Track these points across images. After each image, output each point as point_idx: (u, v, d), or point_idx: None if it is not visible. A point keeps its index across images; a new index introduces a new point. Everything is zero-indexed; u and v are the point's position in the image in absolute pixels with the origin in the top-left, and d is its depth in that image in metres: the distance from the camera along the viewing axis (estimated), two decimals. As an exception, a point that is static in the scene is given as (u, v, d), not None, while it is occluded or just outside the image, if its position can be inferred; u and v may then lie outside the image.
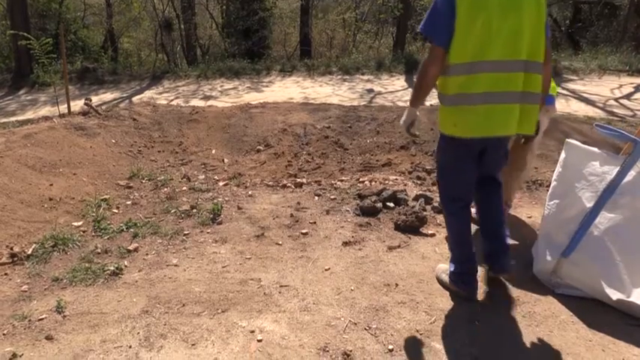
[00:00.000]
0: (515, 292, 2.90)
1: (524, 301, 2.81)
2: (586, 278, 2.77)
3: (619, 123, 6.88)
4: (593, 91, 9.48)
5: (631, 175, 2.74)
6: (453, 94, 2.52)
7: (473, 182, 2.78)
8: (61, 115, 7.09)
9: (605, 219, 2.76)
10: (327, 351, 2.39)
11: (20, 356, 2.42)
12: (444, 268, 3.01)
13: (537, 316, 2.67)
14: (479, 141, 2.56)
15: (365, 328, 2.56)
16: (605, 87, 10.01)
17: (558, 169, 3.09)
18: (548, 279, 2.95)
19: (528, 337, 2.50)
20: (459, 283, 2.82)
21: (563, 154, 3.08)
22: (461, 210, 2.79)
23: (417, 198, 4.18)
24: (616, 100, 8.89)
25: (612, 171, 2.79)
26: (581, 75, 11.41)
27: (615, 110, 8.02)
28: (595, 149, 2.93)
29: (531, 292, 2.91)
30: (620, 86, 10.13)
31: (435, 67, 2.50)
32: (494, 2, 2.36)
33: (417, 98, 2.70)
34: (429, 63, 2.50)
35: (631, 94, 9.49)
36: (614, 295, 2.64)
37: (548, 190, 3.17)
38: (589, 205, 2.81)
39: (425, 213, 3.90)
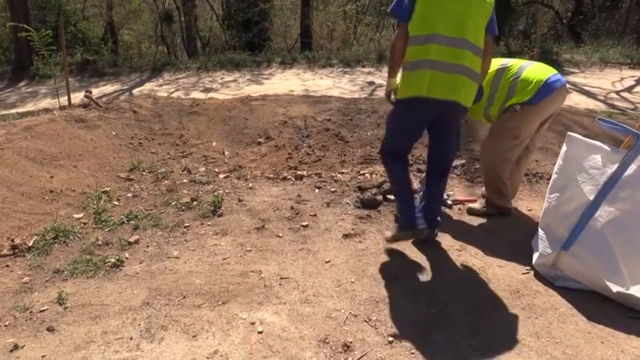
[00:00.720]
0: (515, 284, 2.91)
1: (524, 294, 2.82)
2: (586, 271, 2.78)
3: (620, 116, 6.87)
4: (594, 84, 9.45)
5: (632, 168, 2.74)
6: (410, 62, 3.01)
7: (412, 144, 3.38)
8: (62, 108, 7.08)
9: (605, 212, 2.76)
10: (328, 342, 2.40)
11: (22, 347, 2.43)
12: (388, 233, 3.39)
13: (537, 309, 2.68)
14: (426, 102, 2.99)
15: (365, 320, 2.57)
16: (607, 80, 9.99)
17: (559, 162, 3.09)
18: (547, 272, 2.96)
19: (528, 330, 2.50)
20: (406, 221, 3.23)
21: (564, 147, 3.08)
22: (398, 161, 3.29)
23: (417, 191, 4.18)
24: (617, 93, 8.87)
25: (613, 164, 2.79)
26: (582, 68, 11.39)
27: (616, 103, 8.00)
28: (596, 142, 2.93)
29: (531, 284, 2.92)
30: (622, 79, 10.10)
31: (401, 40, 3.03)
32: None
33: (392, 68, 3.18)
34: (397, 37, 3.05)
35: (632, 86, 9.46)
36: (614, 287, 2.65)
37: (548, 183, 3.17)
38: (589, 198, 2.82)
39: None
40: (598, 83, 9.56)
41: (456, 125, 3.26)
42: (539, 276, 2.99)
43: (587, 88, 9.22)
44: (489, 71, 3.42)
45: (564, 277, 2.88)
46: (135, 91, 10.74)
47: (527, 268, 3.08)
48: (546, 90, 3.42)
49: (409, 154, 3.44)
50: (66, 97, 7.59)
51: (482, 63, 3.08)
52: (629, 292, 2.62)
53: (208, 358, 2.31)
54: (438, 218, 3.41)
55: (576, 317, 2.61)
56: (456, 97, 2.98)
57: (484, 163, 3.74)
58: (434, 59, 2.92)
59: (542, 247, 3.01)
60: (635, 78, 10.18)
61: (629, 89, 9.23)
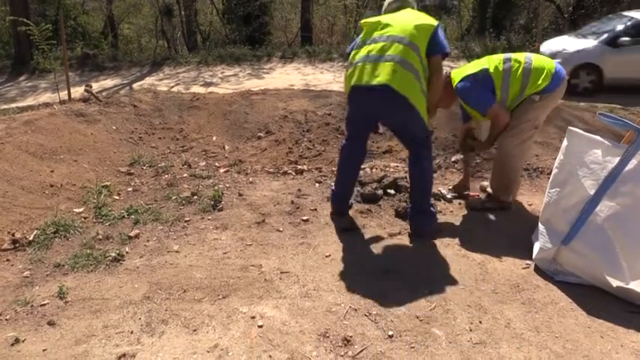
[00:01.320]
0: (515, 279, 2.92)
1: (524, 288, 2.82)
2: (586, 266, 2.78)
3: (621, 111, 6.86)
4: (595, 79, 9.41)
5: (632, 163, 2.73)
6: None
7: (359, 129, 3.57)
8: (62, 102, 7.07)
9: (605, 207, 2.76)
10: (328, 337, 2.41)
11: (23, 341, 2.43)
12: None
13: (537, 303, 2.68)
14: (357, 91, 3.30)
15: (365, 314, 2.58)
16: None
17: (560, 156, 3.08)
18: (548, 266, 2.96)
19: (528, 324, 2.51)
20: (333, 199, 3.75)
21: (565, 142, 3.07)
22: (349, 144, 3.59)
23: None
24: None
25: (614, 159, 2.78)
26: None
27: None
28: (597, 137, 2.92)
29: (531, 279, 2.92)
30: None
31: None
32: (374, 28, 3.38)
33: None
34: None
35: None
36: (614, 282, 2.65)
37: (549, 178, 3.17)
38: (590, 192, 2.81)
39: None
40: (599, 78, 9.51)
41: (405, 118, 3.30)
42: (539, 270, 2.99)
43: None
44: (496, 73, 3.51)
45: (564, 272, 2.89)
46: (135, 86, 10.73)
47: (528, 262, 3.09)
48: (558, 77, 3.50)
49: (362, 148, 3.64)
50: (66, 92, 7.58)
51: (432, 79, 3.32)
52: (629, 286, 2.63)
53: (209, 351, 2.32)
54: (432, 209, 3.49)
55: (576, 312, 2.62)
56: (385, 81, 3.10)
57: (506, 158, 3.69)
58: (364, 55, 3.29)
59: (543, 242, 3.01)
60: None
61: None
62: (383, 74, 3.13)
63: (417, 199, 3.45)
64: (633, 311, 2.59)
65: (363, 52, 3.30)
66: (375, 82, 3.14)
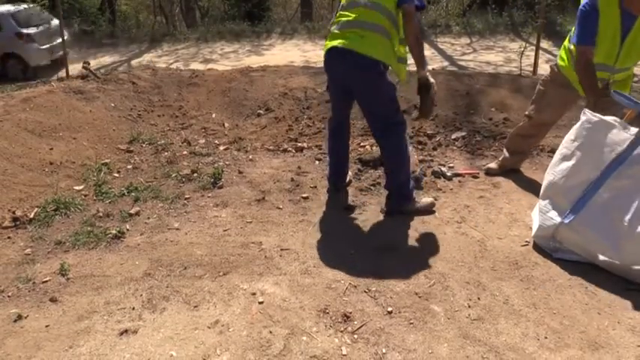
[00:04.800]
0: (514, 256, 2.93)
1: (523, 265, 2.84)
2: (585, 244, 2.79)
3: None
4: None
5: None
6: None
7: (335, 99, 3.56)
8: (60, 79, 7.03)
9: (610, 188, 2.73)
10: (327, 313, 2.43)
11: (25, 317, 2.46)
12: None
13: (535, 280, 2.70)
14: (327, 56, 3.28)
15: (365, 291, 2.60)
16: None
17: (570, 136, 3.01)
18: (547, 243, 2.97)
19: (526, 301, 2.53)
20: (327, 175, 3.77)
21: (579, 123, 3.00)
22: (331, 115, 3.64)
23: (418, 163, 4.18)
24: None
25: (624, 142, 2.75)
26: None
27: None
28: (611, 119, 2.86)
29: (530, 256, 2.94)
30: None
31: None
32: None
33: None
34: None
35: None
36: (613, 261, 2.66)
37: (549, 156, 3.16)
38: (596, 173, 2.78)
39: (425, 178, 3.91)
40: None
41: (368, 84, 3.27)
42: (538, 248, 3.01)
43: None
44: None
45: (563, 250, 2.90)
46: (133, 62, 10.64)
47: (527, 240, 3.10)
48: None
49: (343, 119, 3.62)
50: (64, 69, 7.52)
51: (405, 27, 3.21)
52: (628, 265, 2.64)
53: (210, 327, 2.35)
54: (411, 188, 3.41)
55: (574, 289, 2.63)
56: (350, 46, 3.11)
57: None
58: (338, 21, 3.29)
59: (542, 220, 3.01)
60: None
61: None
62: (349, 38, 3.13)
63: (390, 177, 3.40)
64: (630, 288, 2.61)
65: (339, 18, 3.30)
66: (340, 44, 3.14)
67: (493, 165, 4.08)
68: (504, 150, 4.07)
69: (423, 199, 3.52)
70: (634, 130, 2.77)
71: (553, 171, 3.05)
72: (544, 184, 3.15)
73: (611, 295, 2.57)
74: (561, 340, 2.27)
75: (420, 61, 3.31)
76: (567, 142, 3.03)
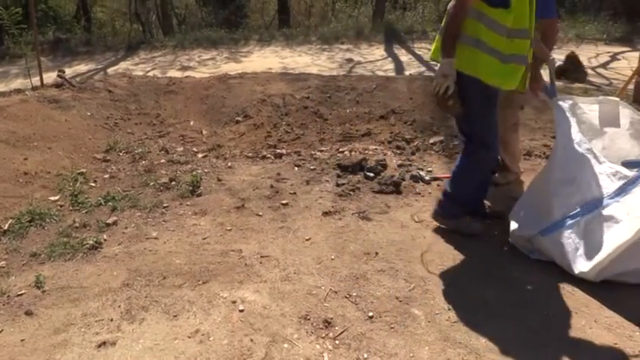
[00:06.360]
0: (493, 258, 2.96)
1: (502, 267, 2.87)
2: (559, 256, 2.81)
3: (596, 92, 6.95)
4: (571, 60, 9.50)
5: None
6: None
7: None
8: (34, 88, 6.91)
9: (595, 217, 2.73)
10: (309, 319, 2.43)
11: (0, 332, 2.40)
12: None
13: (513, 281, 2.73)
14: None
15: (345, 296, 2.60)
16: (583, 56, 10.00)
17: (587, 166, 2.89)
18: (523, 245, 3.01)
19: (505, 302, 2.56)
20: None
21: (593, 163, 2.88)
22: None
23: (396, 167, 4.21)
24: (593, 69, 8.94)
25: (622, 179, 2.75)
26: (559, 44, 11.42)
27: (592, 79, 8.08)
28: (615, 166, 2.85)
29: (508, 257, 2.97)
30: (597, 55, 10.18)
31: None
32: None
33: None
34: None
35: (607, 62, 9.55)
36: (587, 275, 2.68)
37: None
38: (587, 201, 2.78)
39: (404, 182, 3.93)
40: (574, 59, 9.61)
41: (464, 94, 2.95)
42: (516, 249, 3.04)
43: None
44: None
45: (539, 252, 2.93)
46: (110, 71, 10.53)
47: (505, 241, 3.13)
48: None
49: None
50: (38, 77, 7.41)
51: None
52: (603, 278, 2.67)
53: (190, 337, 2.32)
54: (447, 189, 3.26)
55: (551, 289, 2.67)
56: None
57: None
58: None
59: (522, 224, 3.04)
60: (611, 54, 10.27)
61: (604, 65, 9.32)
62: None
63: (449, 184, 3.25)
64: (607, 288, 2.64)
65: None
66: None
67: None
68: None
69: (473, 223, 3.27)
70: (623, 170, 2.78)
71: (551, 181, 2.98)
72: (532, 189, 3.16)
73: (588, 295, 2.61)
74: (540, 340, 2.30)
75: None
76: (577, 168, 2.90)
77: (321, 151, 4.80)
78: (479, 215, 3.34)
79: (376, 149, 4.76)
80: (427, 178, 4.05)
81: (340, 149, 4.79)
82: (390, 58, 10.62)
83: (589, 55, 10.16)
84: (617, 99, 3.24)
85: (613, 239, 2.59)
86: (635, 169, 2.78)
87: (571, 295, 2.62)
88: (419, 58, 10.49)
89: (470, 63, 2.85)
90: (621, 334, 2.34)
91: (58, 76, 6.89)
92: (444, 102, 2.91)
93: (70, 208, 3.73)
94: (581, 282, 2.69)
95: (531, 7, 2.84)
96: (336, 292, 2.64)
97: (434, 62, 3.27)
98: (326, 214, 3.51)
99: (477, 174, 3.17)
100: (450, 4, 2.84)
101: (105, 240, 3.25)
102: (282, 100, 6.49)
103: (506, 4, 2.73)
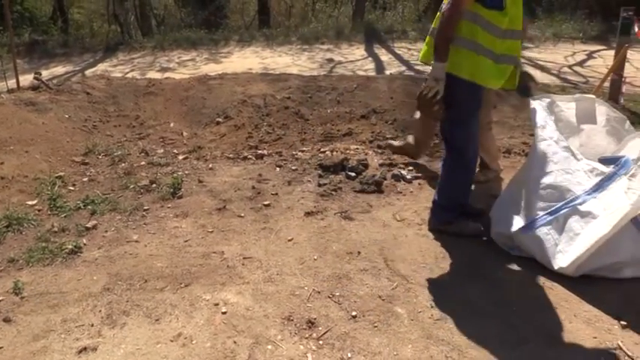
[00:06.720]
0: (474, 255, 2.99)
1: (483, 264, 2.90)
2: (539, 252, 2.85)
3: (573, 90, 7.06)
4: (548, 59, 9.66)
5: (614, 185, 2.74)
6: None
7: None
8: (10, 91, 6.80)
9: (574, 214, 2.77)
10: (292, 320, 2.42)
11: (-23, 339, 2.36)
12: None
13: (495, 278, 2.76)
14: None
15: (328, 296, 2.60)
16: (560, 54, 10.22)
17: (551, 166, 2.96)
18: (504, 242, 3.04)
19: (486, 299, 2.58)
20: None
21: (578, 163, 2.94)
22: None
23: (378, 167, 4.22)
24: (570, 67, 9.10)
25: (598, 176, 2.81)
26: (536, 43, 11.60)
27: (569, 77, 8.22)
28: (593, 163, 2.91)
29: (490, 255, 3.00)
30: (574, 53, 10.36)
31: None
32: None
33: None
34: None
35: (584, 61, 9.72)
36: (567, 270, 2.72)
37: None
38: (566, 198, 2.82)
39: (385, 181, 3.95)
40: (552, 58, 9.78)
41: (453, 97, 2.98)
42: (497, 246, 3.07)
43: (541, 62, 9.41)
44: None
45: (520, 249, 2.97)
46: (88, 72, 10.39)
47: (486, 239, 3.16)
48: None
49: None
50: (14, 80, 7.29)
51: None
52: (582, 273, 2.71)
53: (172, 341, 2.30)
54: (436, 198, 3.26)
55: (532, 285, 2.71)
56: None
57: None
58: None
59: (502, 221, 3.07)
60: (587, 52, 10.45)
61: (581, 63, 9.48)
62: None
63: (437, 191, 3.27)
64: (586, 282, 2.68)
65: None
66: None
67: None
68: None
69: (470, 223, 3.28)
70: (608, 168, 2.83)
71: (531, 179, 3.01)
72: (513, 187, 3.20)
73: (567, 290, 2.65)
74: (521, 335, 2.32)
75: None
76: (557, 171, 2.95)
77: (303, 151, 4.80)
78: (470, 215, 3.37)
79: (357, 149, 4.77)
80: (409, 177, 4.07)
81: (322, 149, 4.79)
82: (370, 58, 10.66)
83: (566, 53, 10.33)
84: (594, 96, 3.31)
85: (591, 235, 2.63)
86: (612, 166, 2.83)
87: (551, 290, 2.66)
88: (399, 57, 10.55)
89: (465, 66, 2.86)
90: (600, 327, 2.38)
91: (35, 78, 6.79)
92: (429, 106, 2.89)
93: (49, 212, 3.68)
94: (560, 277, 2.73)
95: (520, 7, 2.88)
96: (319, 293, 2.64)
97: (422, 63, 3.22)
98: (308, 214, 3.51)
99: (463, 176, 3.20)
100: (444, 7, 2.83)
101: (84, 244, 3.20)
102: (263, 101, 6.48)
103: (501, 5, 2.76)
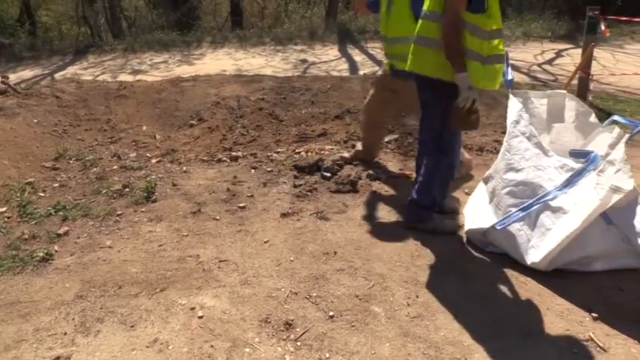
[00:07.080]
0: (449, 252, 3.02)
1: (458, 261, 2.93)
2: (510, 248, 2.90)
3: (542, 87, 7.19)
4: (518, 58, 9.81)
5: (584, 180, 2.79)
6: None
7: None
8: (-24, 95, 6.61)
9: (546, 209, 2.82)
10: (269, 322, 2.41)
11: (-55, 352, 2.29)
12: None
13: (470, 275, 2.80)
14: None
15: (306, 297, 2.60)
16: (529, 53, 10.40)
17: (523, 162, 3.02)
18: (478, 239, 3.08)
19: (462, 295, 2.61)
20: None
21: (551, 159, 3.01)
22: None
23: (352, 167, 4.23)
24: (539, 65, 9.27)
25: (568, 172, 2.86)
26: (507, 42, 11.77)
27: (538, 75, 8.37)
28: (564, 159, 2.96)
29: (464, 251, 3.04)
30: (543, 52, 10.55)
31: None
32: None
33: None
34: None
35: (553, 59, 9.91)
36: (539, 265, 2.77)
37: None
38: (538, 193, 2.87)
39: (361, 181, 3.96)
40: (522, 57, 9.93)
41: (422, 97, 3.12)
42: (471, 243, 3.11)
43: (511, 61, 9.46)
44: None
45: (493, 245, 3.01)
46: (57, 76, 10.18)
47: (461, 236, 3.20)
48: None
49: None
50: (-21, 84, 7.09)
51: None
52: (554, 267, 2.76)
53: (148, 347, 2.27)
54: (413, 195, 3.29)
55: (506, 280, 2.75)
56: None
57: None
58: None
59: (476, 218, 3.12)
60: (556, 51, 10.66)
61: (549, 62, 9.66)
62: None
63: (416, 190, 3.28)
64: (559, 276, 2.74)
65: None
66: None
67: None
68: None
69: (446, 221, 3.37)
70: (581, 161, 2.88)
71: (503, 178, 3.05)
72: (485, 184, 3.24)
73: (540, 285, 2.70)
74: (497, 330, 2.36)
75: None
76: (527, 166, 3.00)
77: (278, 152, 4.79)
78: (444, 212, 3.42)
79: (332, 149, 4.78)
80: (383, 176, 4.09)
81: (296, 150, 4.78)
82: (344, 58, 10.68)
83: (535, 52, 10.51)
84: (565, 91, 3.38)
85: (562, 229, 2.69)
86: (581, 160, 2.90)
87: (524, 285, 2.71)
88: (372, 57, 10.60)
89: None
90: (572, 320, 2.43)
91: (2, 82, 6.62)
92: (467, 117, 2.87)
93: (18, 219, 3.59)
94: (533, 272, 2.78)
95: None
96: (296, 294, 2.63)
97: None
98: (284, 215, 3.50)
99: (447, 175, 3.24)
100: (443, 21, 2.81)
101: (56, 251, 3.14)
102: (237, 103, 6.44)
103: (484, 8, 2.78)
